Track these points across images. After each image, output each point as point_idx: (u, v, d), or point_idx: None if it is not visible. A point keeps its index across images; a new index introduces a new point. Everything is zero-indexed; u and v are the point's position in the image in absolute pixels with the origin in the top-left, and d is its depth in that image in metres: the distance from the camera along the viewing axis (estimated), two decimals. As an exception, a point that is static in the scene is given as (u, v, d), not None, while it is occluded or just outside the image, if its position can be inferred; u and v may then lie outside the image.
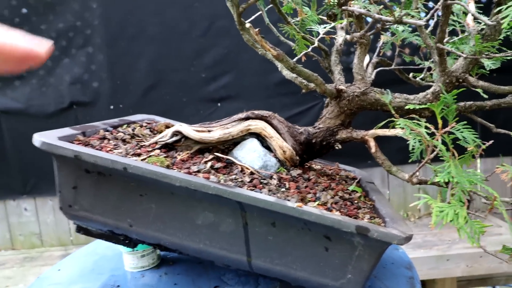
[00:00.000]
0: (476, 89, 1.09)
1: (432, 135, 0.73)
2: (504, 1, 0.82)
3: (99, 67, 2.28)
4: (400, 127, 0.74)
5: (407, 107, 0.70)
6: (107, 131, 0.92)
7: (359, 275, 0.71)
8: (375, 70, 1.14)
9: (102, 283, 0.92)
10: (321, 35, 0.92)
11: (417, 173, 0.79)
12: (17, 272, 2.29)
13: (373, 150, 0.92)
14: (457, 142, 0.76)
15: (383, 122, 0.83)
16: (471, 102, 0.95)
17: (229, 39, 2.30)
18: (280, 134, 0.96)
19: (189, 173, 0.80)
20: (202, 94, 2.34)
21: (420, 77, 1.24)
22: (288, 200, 0.76)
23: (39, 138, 0.71)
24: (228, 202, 0.71)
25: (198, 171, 0.82)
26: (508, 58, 1.11)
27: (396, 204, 2.56)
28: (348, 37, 0.83)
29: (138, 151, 0.86)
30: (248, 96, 2.33)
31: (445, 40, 1.06)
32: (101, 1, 2.19)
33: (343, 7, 0.70)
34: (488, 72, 1.08)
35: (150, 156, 0.85)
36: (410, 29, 1.20)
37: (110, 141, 0.87)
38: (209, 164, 0.86)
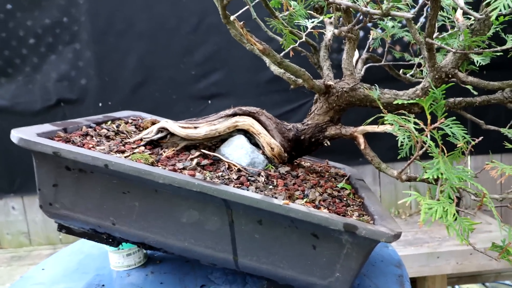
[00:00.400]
0: (466, 86, 1.09)
1: (421, 131, 0.72)
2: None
3: (86, 64, 2.24)
4: (389, 123, 0.73)
5: (395, 102, 0.68)
6: (90, 127, 0.90)
7: (348, 274, 0.70)
8: (365, 66, 1.13)
9: (86, 283, 0.90)
10: (309, 30, 0.91)
11: (407, 170, 0.78)
12: (4, 272, 2.25)
13: (362, 146, 0.90)
14: (446, 138, 0.76)
15: (372, 118, 0.82)
16: (461, 98, 0.94)
17: (219, 35, 2.27)
18: (268, 130, 0.95)
19: (174, 170, 0.78)
20: (192, 91, 2.31)
21: (410, 73, 1.23)
22: (276, 198, 0.75)
23: (16, 134, 0.69)
24: (213, 200, 0.69)
25: (184, 168, 0.80)
26: (498, 54, 1.11)
27: (387, 201, 2.56)
28: (336, 31, 0.81)
29: (122, 148, 0.83)
30: (238, 94, 2.31)
31: (435, 35, 1.05)
32: (88, -4, 2.16)
33: (330, 0, 0.69)
34: (478, 68, 1.07)
35: (134, 153, 0.83)
36: (399, 25, 1.19)
37: (93, 138, 0.85)
38: (195, 161, 0.84)
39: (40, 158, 0.72)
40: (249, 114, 0.95)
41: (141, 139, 0.90)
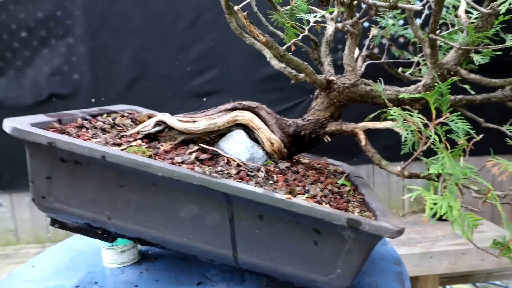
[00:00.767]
0: (464, 86, 1.08)
1: (424, 126, 0.71)
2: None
3: (80, 59, 2.19)
4: (392, 118, 0.72)
5: (400, 96, 0.67)
6: (85, 119, 0.88)
7: (349, 270, 0.69)
8: (365, 63, 1.12)
9: (78, 280, 0.87)
10: (311, 24, 0.89)
11: (409, 166, 0.77)
12: (-10, 271, 2.20)
13: (363, 143, 0.89)
14: (448, 135, 0.75)
15: (374, 114, 0.81)
16: (461, 96, 0.93)
17: (215, 32, 2.25)
18: (268, 125, 0.93)
19: (173, 164, 0.76)
20: (187, 88, 2.29)
21: (409, 72, 1.23)
22: (277, 193, 0.73)
23: (9, 124, 0.66)
24: (213, 194, 0.68)
25: (182, 162, 0.78)
26: (497, 54, 1.11)
27: (381, 202, 2.56)
28: (339, 25, 0.80)
29: (119, 141, 0.81)
30: (234, 92, 2.28)
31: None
32: (83, -10, 2.12)
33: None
34: (477, 68, 1.07)
35: (131, 146, 0.80)
36: (400, 23, 1.19)
37: (89, 130, 0.83)
38: (194, 155, 0.82)
39: (33, 149, 0.69)
40: (248, 108, 0.94)
41: (138, 133, 0.87)
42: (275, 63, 0.96)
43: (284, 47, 0.80)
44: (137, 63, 2.24)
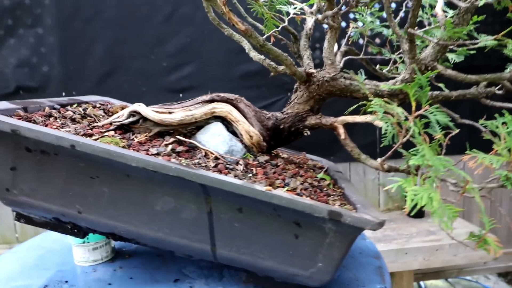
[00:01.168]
0: (439, 84, 1.10)
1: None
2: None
3: (49, 50, 2.10)
4: (372, 111, 0.72)
5: (382, 86, 0.67)
6: (54, 109, 0.83)
7: (330, 264, 0.68)
8: (343, 59, 1.12)
9: (47, 279, 0.83)
10: (291, 15, 0.88)
11: (388, 160, 0.77)
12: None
13: (342, 137, 0.89)
14: (424, 130, 0.75)
15: (353, 107, 0.80)
16: (438, 92, 0.95)
17: (192, 27, 2.21)
18: (246, 118, 0.91)
19: (148, 154, 0.73)
20: (163, 83, 2.23)
21: (386, 69, 1.24)
22: (257, 185, 0.71)
23: (-31, 110, 0.61)
24: (190, 186, 0.65)
25: (158, 154, 0.75)
26: (471, 53, 1.13)
27: (356, 199, 2.59)
28: (320, 16, 0.79)
29: (90, 131, 0.77)
30: (211, 88, 2.25)
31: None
32: (53, -21, 2.03)
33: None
34: (452, 66, 1.09)
35: (103, 136, 0.77)
36: (378, 19, 1.19)
37: (57, 120, 0.78)
38: (170, 147, 0.79)
39: (-4, 138, 0.64)
40: (227, 100, 0.91)
41: (110, 123, 0.84)
42: (254, 55, 0.94)
43: (264, 37, 0.78)
44: (111, 56, 2.16)
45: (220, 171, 0.75)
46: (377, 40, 2.31)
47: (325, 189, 0.84)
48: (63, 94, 2.14)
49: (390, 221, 2.39)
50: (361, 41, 1.21)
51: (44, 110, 0.78)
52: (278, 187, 0.76)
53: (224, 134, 0.87)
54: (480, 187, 0.76)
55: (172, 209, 0.68)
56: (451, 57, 1.13)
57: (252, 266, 0.70)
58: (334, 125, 0.91)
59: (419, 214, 2.57)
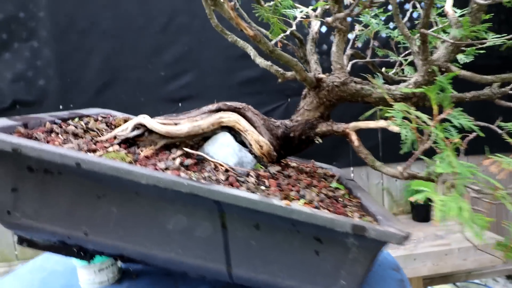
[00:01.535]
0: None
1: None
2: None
3: (45, 63, 2.06)
4: (388, 117, 0.68)
5: (403, 90, 0.64)
6: (55, 123, 0.79)
7: (353, 281, 0.64)
8: (350, 62, 1.09)
9: (50, 305, 0.78)
10: (298, 18, 0.85)
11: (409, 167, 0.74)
12: None
13: (356, 144, 0.85)
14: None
15: (370, 112, 0.77)
16: (451, 94, 0.92)
17: (189, 36, 2.18)
18: (255, 127, 0.88)
19: (156, 170, 0.69)
20: (161, 93, 2.20)
21: (392, 72, 1.21)
22: (274, 199, 0.68)
23: (-34, 129, 0.57)
24: (204, 202, 0.61)
25: (166, 168, 0.71)
26: (480, 52, 1.10)
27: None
28: (329, 19, 0.76)
29: (93, 146, 0.73)
30: (210, 96, 2.22)
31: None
32: (47, -9, 2.00)
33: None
34: (461, 66, 1.07)
35: (107, 151, 0.73)
36: (383, 21, 1.17)
37: (59, 135, 0.74)
38: (178, 160, 0.76)
39: (-5, 158, 0.60)
40: (234, 109, 0.88)
41: (114, 137, 0.80)
42: (261, 61, 0.91)
43: (272, 42, 0.75)
44: (108, 67, 2.13)
45: (231, 184, 0.72)
46: (375, 43, 2.29)
47: (340, 199, 0.81)
48: (61, 107, 2.10)
49: (396, 225, 2.35)
50: (360, 44, 1.19)
51: (45, 126, 0.75)
52: (293, 199, 0.73)
53: (233, 145, 0.83)
54: (508, 193, 0.73)
55: (185, 228, 0.64)
56: (460, 57, 1.10)
57: (270, 286, 0.66)
58: (346, 131, 0.88)
59: (425, 218, 2.54)
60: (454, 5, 0.87)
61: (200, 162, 0.79)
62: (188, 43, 2.19)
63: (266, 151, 0.85)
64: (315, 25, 0.97)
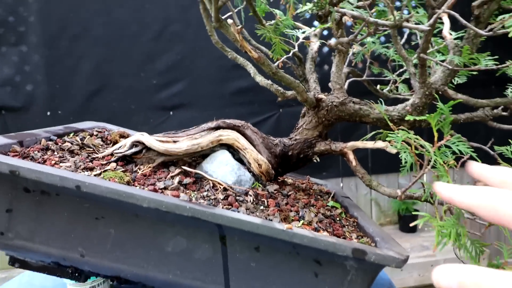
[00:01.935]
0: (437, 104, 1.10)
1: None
2: (482, 16, 0.82)
3: (34, 69, 2.02)
4: (391, 139, 0.69)
5: (407, 118, 0.65)
6: (51, 140, 0.77)
7: (352, 303, 0.64)
8: (348, 81, 1.10)
9: (40, 324, 0.76)
10: (301, 40, 0.86)
11: (410, 188, 0.74)
12: None
13: (353, 163, 0.86)
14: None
15: (371, 134, 0.78)
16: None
17: (182, 44, 2.17)
18: (254, 145, 0.88)
19: (155, 190, 0.68)
20: (152, 101, 2.18)
21: (386, 89, 1.23)
22: (270, 220, 0.68)
23: (-39, 149, 0.56)
24: (205, 225, 0.61)
25: (165, 188, 0.71)
26: (473, 74, 1.13)
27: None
28: (332, 42, 0.77)
29: (90, 164, 0.72)
30: (202, 105, 2.21)
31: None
32: (38, -5, 1.97)
33: (335, 8, 0.64)
34: (454, 86, 1.09)
35: (105, 170, 0.72)
36: (379, 41, 1.19)
37: (55, 153, 0.73)
38: (177, 179, 0.75)
39: (-10, 177, 0.59)
40: (233, 127, 0.88)
41: (111, 154, 0.79)
42: (261, 79, 0.91)
43: (276, 64, 0.75)
44: (98, 74, 2.10)
45: (231, 204, 0.71)
46: (366, 57, 2.33)
47: (338, 219, 0.81)
48: (48, 113, 2.06)
49: (384, 237, 2.38)
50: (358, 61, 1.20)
51: (40, 143, 0.73)
52: (293, 220, 0.73)
53: (232, 163, 0.83)
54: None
55: (184, 250, 0.63)
56: (455, 79, 1.13)
57: (270, 308, 0.65)
58: (344, 151, 0.88)
59: (412, 228, 2.57)
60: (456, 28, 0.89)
61: (199, 180, 0.79)
62: (181, 52, 2.18)
63: (264, 170, 0.85)
64: (314, 44, 0.98)
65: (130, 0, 2.07)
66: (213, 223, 0.60)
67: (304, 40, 0.84)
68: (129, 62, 2.12)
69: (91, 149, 0.81)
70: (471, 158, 0.78)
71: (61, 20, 2.01)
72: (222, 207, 0.69)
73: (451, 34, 1.03)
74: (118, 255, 0.63)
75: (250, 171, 0.85)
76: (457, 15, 0.68)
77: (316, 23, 0.92)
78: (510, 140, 0.80)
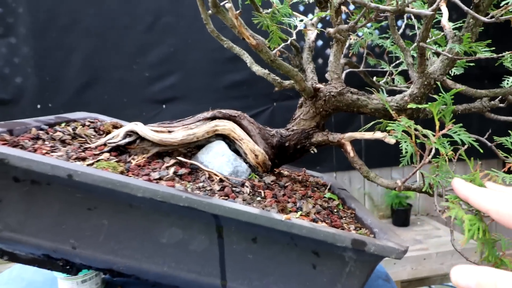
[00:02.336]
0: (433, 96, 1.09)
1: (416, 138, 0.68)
2: (482, 4, 0.81)
3: (23, 61, 1.98)
4: (391, 129, 0.68)
5: (409, 106, 0.64)
6: (41, 129, 0.75)
7: (351, 295, 0.63)
8: (344, 72, 1.09)
9: (30, 319, 0.74)
10: (299, 28, 0.84)
11: (410, 178, 0.73)
12: None
13: (351, 154, 0.85)
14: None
15: (370, 124, 0.76)
16: (445, 106, 0.93)
17: (175, 37, 2.14)
18: (250, 136, 0.86)
19: (150, 180, 0.66)
20: (145, 94, 2.15)
21: (383, 81, 1.22)
22: (268, 211, 0.66)
23: None
24: (201, 216, 0.59)
25: (160, 178, 0.69)
26: (470, 65, 1.12)
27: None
28: (331, 30, 0.75)
29: (83, 154, 0.70)
30: (195, 98, 2.18)
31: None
32: (27, -14, 1.92)
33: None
34: (451, 77, 1.08)
35: (98, 160, 0.69)
36: (375, 32, 1.17)
37: (46, 142, 0.70)
38: (172, 170, 0.73)
39: (-22, 166, 0.56)
40: (229, 117, 0.86)
41: (104, 144, 0.76)
42: (257, 69, 0.89)
43: (273, 51, 0.74)
44: (89, 66, 2.06)
45: (227, 195, 0.70)
46: (361, 50, 2.32)
47: (335, 210, 0.80)
48: (38, 106, 2.02)
49: (377, 231, 2.38)
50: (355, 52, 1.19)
51: (31, 132, 0.70)
52: (290, 211, 0.71)
53: (228, 154, 0.81)
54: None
55: (180, 241, 0.61)
56: (452, 69, 1.12)
57: (267, 300, 0.64)
58: (342, 142, 0.87)
59: (405, 222, 2.58)
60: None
61: (194, 171, 0.77)
62: (174, 44, 2.15)
63: (261, 161, 0.83)
64: (311, 33, 0.96)
65: (122, -9, 2.03)
66: (210, 213, 0.58)
67: (301, 29, 0.82)
68: (121, 54, 2.08)
69: (84, 139, 0.79)
70: (470, 148, 0.77)
71: (51, 11, 1.97)
72: (219, 198, 0.67)
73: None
74: (111, 247, 0.61)
75: (246, 162, 0.84)
76: (458, 1, 0.67)
77: (316, 10, 0.91)
78: (510, 132, 0.79)
